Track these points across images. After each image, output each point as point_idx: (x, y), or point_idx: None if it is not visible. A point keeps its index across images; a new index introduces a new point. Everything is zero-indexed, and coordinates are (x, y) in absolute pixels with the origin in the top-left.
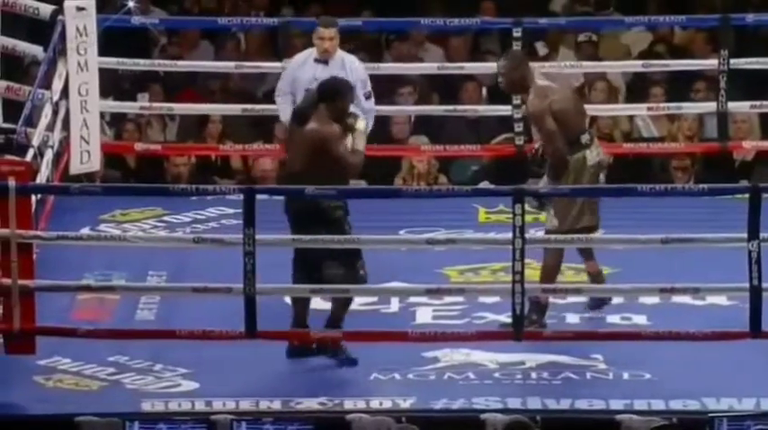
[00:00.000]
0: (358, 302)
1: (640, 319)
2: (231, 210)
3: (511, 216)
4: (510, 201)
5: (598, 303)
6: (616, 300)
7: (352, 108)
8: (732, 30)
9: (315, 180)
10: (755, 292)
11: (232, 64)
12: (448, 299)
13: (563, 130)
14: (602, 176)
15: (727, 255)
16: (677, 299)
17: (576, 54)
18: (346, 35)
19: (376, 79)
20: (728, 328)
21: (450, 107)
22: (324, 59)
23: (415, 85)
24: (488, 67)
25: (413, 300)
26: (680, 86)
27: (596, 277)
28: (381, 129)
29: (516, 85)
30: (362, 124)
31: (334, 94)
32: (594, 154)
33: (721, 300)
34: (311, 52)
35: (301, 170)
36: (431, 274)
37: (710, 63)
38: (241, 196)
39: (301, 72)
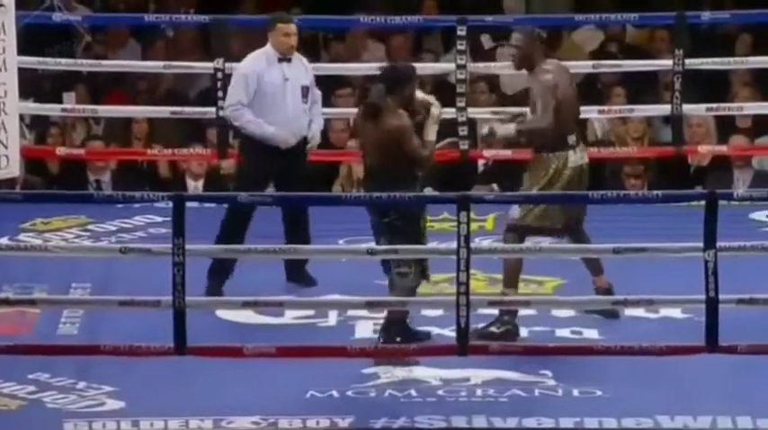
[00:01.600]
0: (293, 316)
1: (591, 333)
2: (160, 219)
3: (455, 224)
4: (454, 209)
5: (608, 317)
6: (565, 313)
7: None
8: (687, 29)
9: (389, 174)
10: (711, 305)
11: (161, 64)
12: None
13: (555, 119)
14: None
15: (683, 266)
16: (630, 311)
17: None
18: None
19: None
20: (683, 343)
21: None
22: (288, 57)
23: (354, 86)
24: (431, 67)
25: (352, 313)
26: (633, 88)
27: (605, 294)
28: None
29: (527, 60)
30: (436, 111)
31: (399, 83)
32: (579, 157)
33: (676, 312)
34: (265, 53)
35: (377, 167)
36: (371, 286)
37: (665, 63)
38: (170, 204)
39: (269, 77)
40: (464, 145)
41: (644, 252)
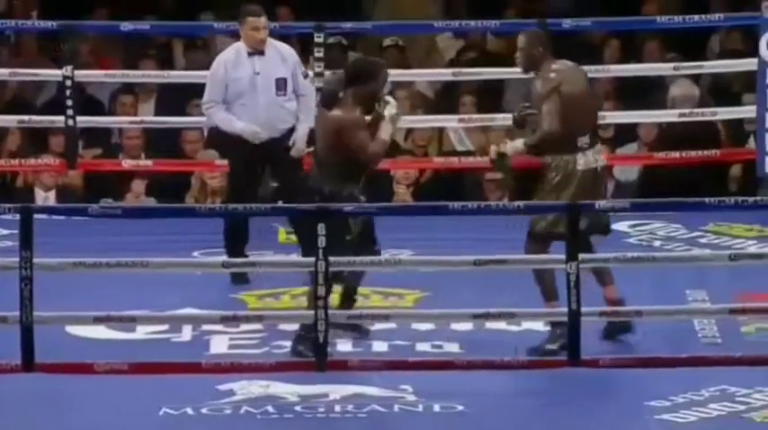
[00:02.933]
0: (146, 331)
1: (452, 347)
2: (6, 231)
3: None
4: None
5: (618, 330)
6: (426, 326)
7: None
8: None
9: (335, 167)
10: (574, 317)
11: (6, 71)
12: (245, 326)
13: (562, 122)
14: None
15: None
16: (491, 325)
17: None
18: (134, 41)
19: (166, 89)
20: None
21: None
22: (259, 50)
23: None
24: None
25: (207, 328)
26: (491, 96)
27: (616, 305)
28: (172, 143)
29: (532, 61)
30: (391, 111)
31: (364, 76)
32: (591, 159)
33: (538, 325)
34: (236, 47)
35: (323, 157)
36: (226, 300)
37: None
38: (17, 216)
39: (237, 72)
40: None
41: (505, 263)
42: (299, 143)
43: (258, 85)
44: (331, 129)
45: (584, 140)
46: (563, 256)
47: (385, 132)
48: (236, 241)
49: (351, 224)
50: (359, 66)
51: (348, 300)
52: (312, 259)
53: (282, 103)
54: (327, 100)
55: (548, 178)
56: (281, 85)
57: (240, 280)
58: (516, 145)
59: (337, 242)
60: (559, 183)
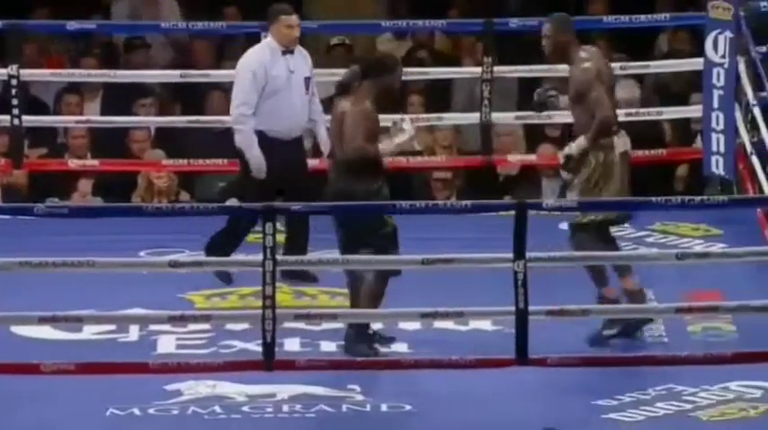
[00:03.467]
0: (93, 331)
1: (401, 347)
2: None
3: (261, 236)
4: (259, 220)
5: (632, 328)
6: (374, 325)
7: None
8: (495, 35)
9: (346, 162)
10: (521, 316)
11: None
12: (192, 326)
13: None
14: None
15: (493, 277)
16: (439, 324)
17: (328, 58)
18: (78, 40)
19: (111, 89)
20: (493, 355)
21: (194, 118)
22: (291, 49)
23: (156, 95)
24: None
25: (154, 327)
26: (439, 96)
27: (635, 296)
28: (119, 142)
29: (559, 50)
30: (408, 127)
31: (379, 70)
32: (623, 142)
33: (486, 324)
34: (268, 46)
35: (339, 153)
36: (174, 300)
37: (473, 71)
38: None
39: (275, 70)
40: None
41: (453, 263)
42: (326, 142)
43: (293, 84)
44: (338, 119)
45: (614, 125)
46: (510, 255)
47: (398, 139)
48: (231, 241)
49: (386, 218)
50: (374, 59)
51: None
52: (259, 258)
53: (308, 102)
54: (340, 91)
55: (589, 165)
56: (307, 83)
57: (225, 278)
58: (580, 143)
59: (376, 236)
60: (604, 170)
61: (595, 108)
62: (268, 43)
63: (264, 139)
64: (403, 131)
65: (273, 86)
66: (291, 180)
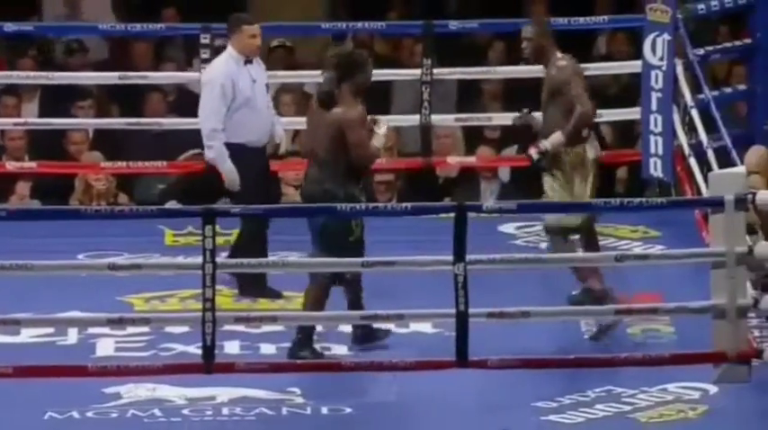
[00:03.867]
0: (30, 334)
1: (341, 349)
2: None
3: (200, 238)
4: (199, 222)
5: (604, 330)
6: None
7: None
8: (434, 37)
9: (337, 167)
10: (461, 319)
11: None
12: (132, 329)
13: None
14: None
15: (433, 279)
16: (380, 326)
17: (269, 60)
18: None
19: (49, 90)
20: (433, 357)
21: (133, 120)
22: (251, 59)
23: (93, 97)
24: (173, 76)
25: (93, 331)
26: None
27: (601, 296)
28: (56, 144)
29: (541, 51)
30: (382, 130)
31: (353, 69)
32: (592, 149)
33: (426, 327)
34: (230, 59)
35: (324, 157)
36: (113, 303)
37: (413, 73)
38: None
39: (241, 81)
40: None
41: (393, 265)
42: (284, 142)
43: (257, 93)
44: (334, 126)
45: (586, 131)
46: (450, 258)
47: (378, 142)
48: (255, 244)
49: (353, 226)
50: (345, 61)
51: (357, 304)
52: (199, 261)
53: (270, 108)
54: (325, 100)
55: (564, 171)
56: (267, 90)
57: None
58: (555, 139)
59: (341, 244)
60: (582, 174)
61: (576, 102)
62: (230, 54)
63: (245, 151)
64: (377, 135)
65: (242, 98)
66: (267, 185)
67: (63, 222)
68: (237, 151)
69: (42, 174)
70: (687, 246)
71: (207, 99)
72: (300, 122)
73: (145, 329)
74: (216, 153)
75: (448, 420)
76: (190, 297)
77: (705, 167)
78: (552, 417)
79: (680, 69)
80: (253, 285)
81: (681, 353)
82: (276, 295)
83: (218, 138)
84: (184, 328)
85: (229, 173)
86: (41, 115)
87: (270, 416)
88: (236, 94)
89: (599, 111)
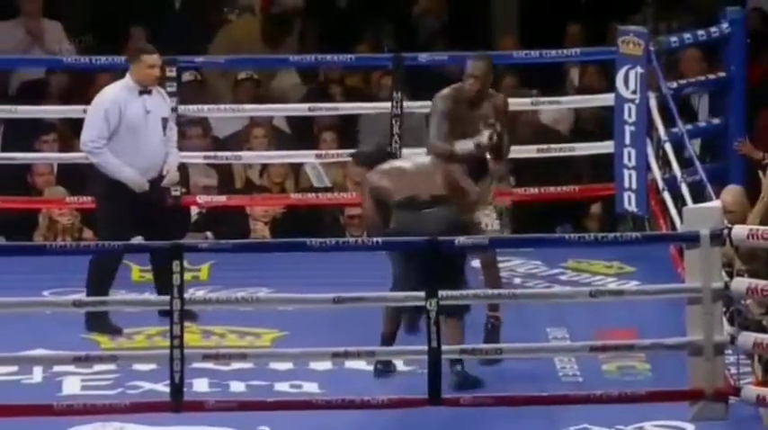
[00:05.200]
0: None
1: (311, 387)
2: None
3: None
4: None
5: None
6: (284, 366)
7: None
8: (404, 70)
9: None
10: (434, 356)
11: None
12: (98, 367)
13: None
14: None
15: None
16: (351, 363)
17: (235, 93)
18: None
19: (12, 124)
20: (406, 395)
21: None
22: (149, 89)
23: (57, 131)
24: None
25: (58, 369)
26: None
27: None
28: (20, 179)
29: (487, 88)
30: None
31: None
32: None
33: (399, 364)
34: (126, 85)
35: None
36: (78, 340)
37: (383, 106)
38: None
39: (130, 110)
40: (176, 191)
41: (365, 301)
42: (172, 173)
43: (149, 124)
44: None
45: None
46: (422, 293)
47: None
48: (104, 280)
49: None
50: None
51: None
52: (167, 297)
53: (165, 143)
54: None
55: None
56: (164, 124)
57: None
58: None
59: (455, 278)
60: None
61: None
62: (126, 83)
63: (120, 186)
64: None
65: (129, 125)
66: (147, 218)
67: (27, 258)
68: (110, 187)
69: (6, 209)
70: (662, 281)
71: (90, 120)
72: (269, 156)
73: (112, 367)
74: (106, 164)
75: None
76: (157, 334)
77: (679, 202)
78: None
79: (653, 102)
80: (93, 320)
81: (657, 391)
82: (117, 331)
83: (102, 153)
84: (152, 366)
85: (132, 179)
86: (5, 149)
87: None
88: (121, 120)
89: (573, 145)
